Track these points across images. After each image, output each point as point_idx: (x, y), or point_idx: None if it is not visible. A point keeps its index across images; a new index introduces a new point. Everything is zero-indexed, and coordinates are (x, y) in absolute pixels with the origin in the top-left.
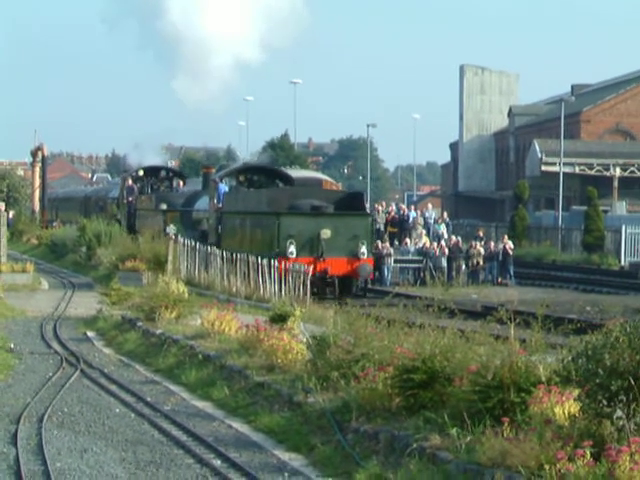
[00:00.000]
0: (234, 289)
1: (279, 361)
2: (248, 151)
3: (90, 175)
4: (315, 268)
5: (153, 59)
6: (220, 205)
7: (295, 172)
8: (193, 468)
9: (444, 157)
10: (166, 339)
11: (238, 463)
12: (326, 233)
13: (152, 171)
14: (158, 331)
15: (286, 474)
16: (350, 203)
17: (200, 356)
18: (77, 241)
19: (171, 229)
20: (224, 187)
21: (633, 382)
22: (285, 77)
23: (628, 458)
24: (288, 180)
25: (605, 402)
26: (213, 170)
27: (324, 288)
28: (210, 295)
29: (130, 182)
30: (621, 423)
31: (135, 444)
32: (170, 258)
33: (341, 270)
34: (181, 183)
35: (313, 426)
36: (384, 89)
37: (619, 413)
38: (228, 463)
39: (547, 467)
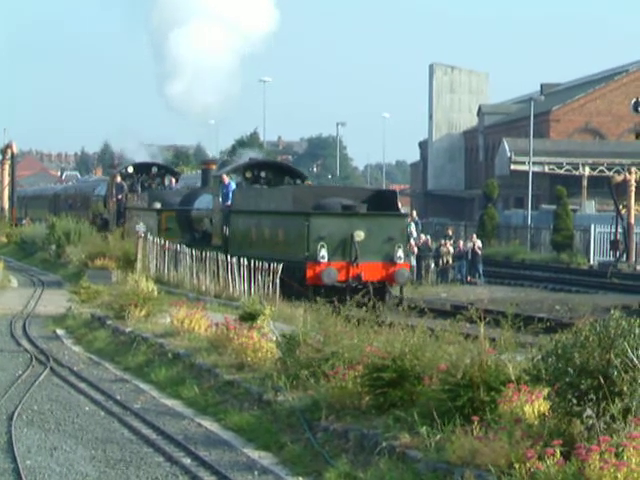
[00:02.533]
0: (203, 287)
1: (249, 360)
2: (218, 149)
3: (59, 173)
4: (347, 274)
5: (125, 56)
6: (228, 203)
7: None
8: (163, 466)
9: (413, 156)
10: (135, 337)
11: (208, 461)
12: (359, 235)
13: (142, 167)
14: (127, 329)
15: (256, 472)
16: (381, 202)
17: (170, 354)
18: (46, 239)
19: (141, 227)
20: (233, 184)
21: (603, 381)
22: (255, 75)
23: (598, 457)
24: (298, 176)
25: (575, 401)
26: (214, 166)
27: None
28: (179, 293)
29: (119, 179)
30: (591, 422)
31: (105, 442)
32: (139, 256)
33: (376, 276)
34: (174, 180)
35: (283, 424)
36: (354, 88)
37: (589, 412)
38: (198, 461)
39: (517, 466)
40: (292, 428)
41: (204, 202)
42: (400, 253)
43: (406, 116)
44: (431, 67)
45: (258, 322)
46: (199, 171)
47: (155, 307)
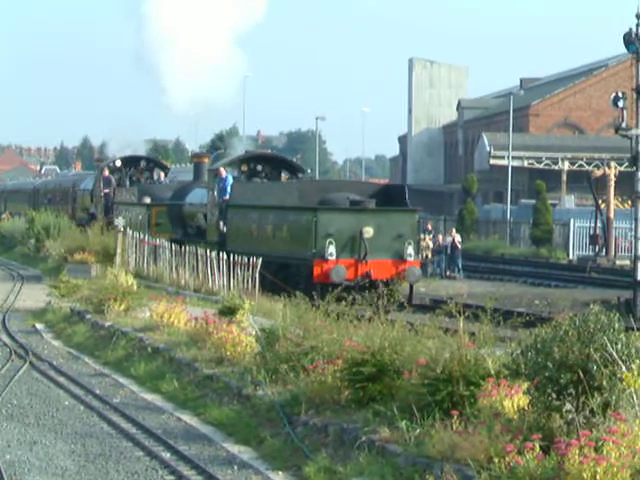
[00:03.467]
0: (183, 282)
1: (228, 354)
2: (197, 143)
3: (39, 167)
4: (356, 271)
5: (105, 50)
6: (226, 198)
7: None
8: (142, 461)
9: (393, 150)
10: (115, 332)
11: (187, 456)
12: (369, 232)
13: (131, 161)
14: (107, 323)
15: (235, 467)
16: (389, 197)
17: (149, 349)
18: (26, 233)
19: (120, 221)
20: (230, 178)
21: (582, 375)
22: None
23: (577, 451)
24: (296, 170)
25: (554, 395)
26: (206, 159)
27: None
28: (159, 287)
29: (107, 173)
30: (570, 416)
31: (84, 437)
32: (119, 250)
33: (386, 274)
34: (162, 175)
35: (262, 419)
36: (333, 83)
37: (568, 406)
38: (177, 456)
39: (496, 460)
40: (272, 422)
41: (197, 196)
42: (410, 250)
43: (385, 111)
44: (410, 62)
45: (237, 316)
46: (185, 165)
47: (134, 301)
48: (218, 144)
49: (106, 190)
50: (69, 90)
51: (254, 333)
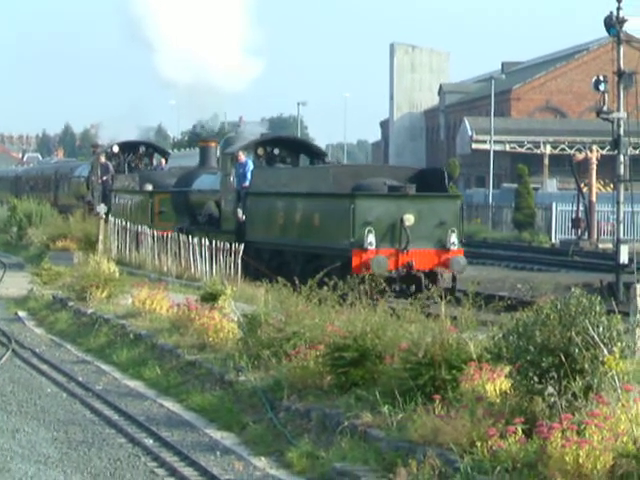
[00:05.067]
0: (165, 268)
1: (210, 340)
2: (179, 130)
3: (21, 155)
4: (397, 262)
5: (88, 35)
6: (246, 184)
7: None
8: (125, 447)
9: (375, 135)
10: (97, 318)
11: (170, 442)
12: (409, 219)
13: (129, 147)
14: (89, 310)
15: (218, 453)
16: (427, 182)
17: (131, 335)
18: (8, 221)
19: (102, 209)
20: (250, 163)
21: (564, 359)
22: None
23: (559, 435)
24: (316, 153)
25: (536, 379)
26: (214, 144)
27: (407, 286)
28: (141, 274)
29: (103, 159)
30: (552, 400)
31: (67, 424)
32: (101, 237)
33: (428, 264)
34: (164, 161)
35: (245, 405)
36: (315, 68)
37: (550, 390)
38: (160, 442)
39: (479, 444)
40: (254, 408)
41: (206, 183)
42: (454, 238)
43: (367, 96)
44: (392, 46)
45: (219, 302)
46: (178, 150)
47: (117, 288)
48: (200, 131)
49: (104, 177)
50: (51, 77)
51: (236, 319)
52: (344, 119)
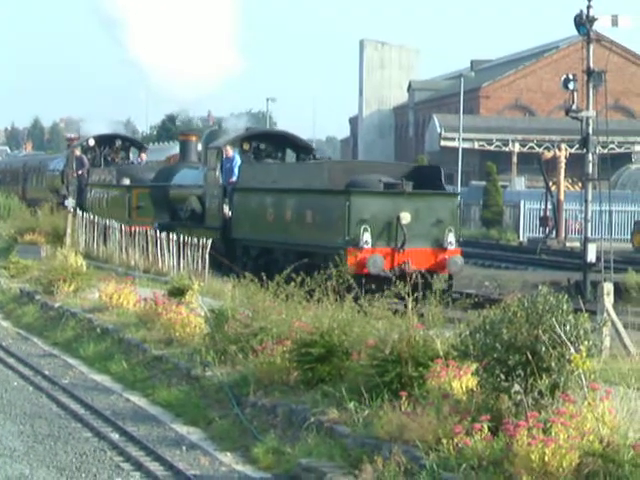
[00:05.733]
0: (132, 262)
1: (177, 335)
2: (148, 124)
3: None
4: (392, 261)
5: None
6: (233, 180)
7: None
8: (91, 442)
9: (344, 132)
10: (64, 312)
11: (136, 437)
12: (406, 217)
13: (105, 140)
14: (56, 304)
15: (184, 448)
16: (423, 179)
17: (98, 330)
18: None
19: (69, 202)
20: (238, 158)
21: (531, 357)
22: None
23: (526, 433)
24: (303, 148)
25: (503, 377)
26: (194, 138)
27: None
28: (108, 268)
29: (78, 152)
30: (519, 398)
31: (33, 417)
32: (69, 231)
33: (425, 263)
34: (144, 156)
35: (211, 400)
36: (284, 63)
37: (517, 387)
38: (126, 437)
39: (445, 441)
40: (220, 403)
41: (187, 178)
42: (451, 238)
43: (336, 92)
44: (361, 43)
45: (187, 297)
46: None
47: (84, 282)
48: (169, 125)
49: (79, 171)
50: (20, 70)
51: (203, 314)
52: (313, 115)
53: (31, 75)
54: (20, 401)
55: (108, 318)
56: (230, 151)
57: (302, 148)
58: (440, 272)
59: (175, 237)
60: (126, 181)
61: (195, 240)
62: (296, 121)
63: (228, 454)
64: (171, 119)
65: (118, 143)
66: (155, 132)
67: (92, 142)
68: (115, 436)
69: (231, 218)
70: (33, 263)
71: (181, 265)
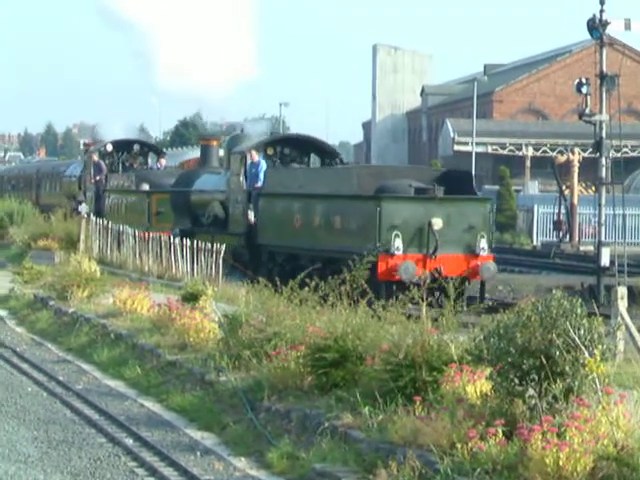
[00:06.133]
0: (146, 268)
1: (191, 340)
2: (161, 129)
3: (2, 154)
4: (424, 268)
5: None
6: (258, 185)
7: None
8: (105, 447)
9: (357, 136)
10: (78, 318)
11: (150, 442)
12: (438, 223)
13: (123, 145)
14: (70, 310)
15: (198, 453)
16: (453, 184)
17: (112, 335)
18: None
19: (83, 208)
20: (263, 163)
21: (545, 361)
22: None
23: (540, 437)
24: (329, 153)
25: (517, 381)
26: (215, 143)
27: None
28: (122, 274)
29: (96, 158)
30: (533, 402)
31: (47, 423)
32: (82, 237)
33: (457, 270)
34: (163, 161)
35: (225, 405)
36: (297, 68)
37: (531, 392)
38: (140, 442)
39: (459, 446)
40: (234, 409)
41: (209, 183)
42: (483, 243)
43: (349, 97)
44: (374, 48)
45: (200, 302)
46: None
47: (98, 288)
48: (182, 131)
49: (97, 177)
50: (33, 76)
51: (217, 319)
52: (326, 120)
53: (44, 81)
54: (34, 407)
55: (122, 323)
56: (255, 156)
57: (327, 153)
58: (472, 279)
59: (196, 243)
60: (145, 187)
61: (211, 245)
62: (309, 126)
63: (242, 459)
64: (184, 125)
65: (136, 148)
66: (168, 138)
67: (110, 147)
68: (129, 441)
69: (256, 224)
70: (47, 269)
71: (195, 270)
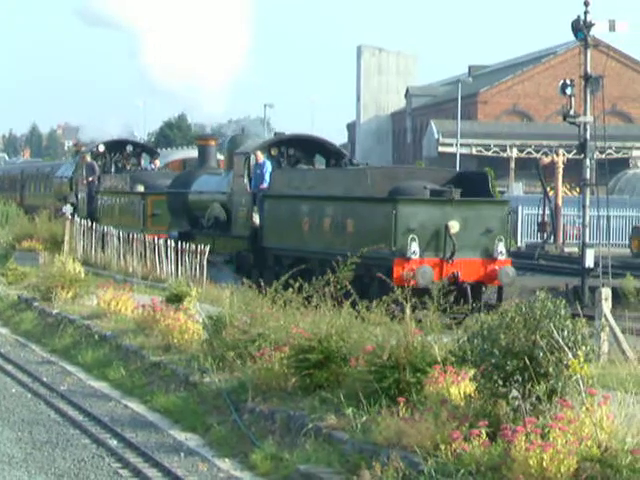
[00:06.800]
0: (130, 269)
1: (175, 341)
2: (145, 131)
3: None
4: (441, 273)
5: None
6: (264, 186)
7: (191, 152)
8: (89, 448)
9: (341, 138)
10: (62, 319)
11: (134, 443)
12: (454, 226)
13: (115, 146)
14: (54, 311)
15: (182, 454)
16: (469, 186)
17: (96, 336)
18: None
19: (67, 209)
20: (269, 164)
21: (528, 362)
22: None
23: (524, 438)
24: (334, 154)
25: (500, 382)
26: (213, 142)
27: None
28: (106, 275)
29: (89, 159)
30: (516, 403)
31: (31, 424)
32: (67, 238)
33: (474, 275)
34: (157, 162)
35: (209, 406)
36: (281, 69)
37: (514, 393)
38: (124, 443)
39: (443, 447)
40: (218, 410)
41: (208, 184)
42: (502, 247)
43: (334, 98)
44: (359, 49)
45: (184, 303)
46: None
47: (82, 289)
48: (167, 132)
49: (89, 178)
50: (18, 76)
51: (201, 320)
52: (311, 121)
53: (29, 82)
54: (18, 408)
55: (106, 325)
56: (261, 157)
57: (332, 154)
58: (490, 284)
59: (196, 246)
60: (140, 188)
61: (212, 248)
62: (293, 127)
63: (226, 460)
64: (169, 126)
65: (129, 149)
66: (153, 139)
67: (102, 148)
68: (113, 442)
69: (262, 226)
70: (31, 270)
71: (179, 271)
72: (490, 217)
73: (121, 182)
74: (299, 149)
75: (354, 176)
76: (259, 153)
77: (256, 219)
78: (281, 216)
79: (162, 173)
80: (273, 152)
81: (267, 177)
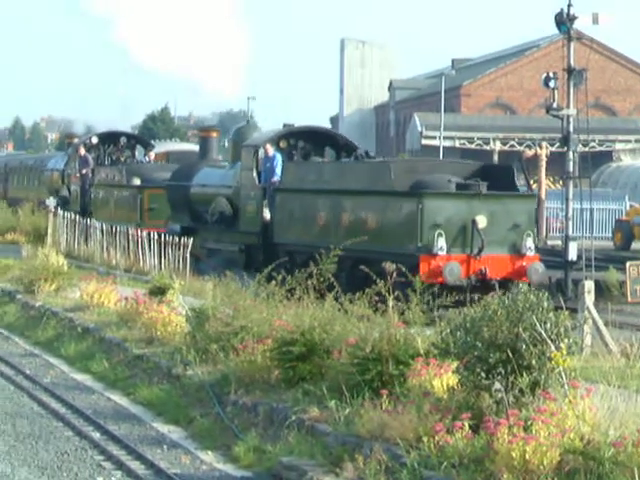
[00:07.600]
0: (114, 261)
1: (158, 334)
2: (129, 124)
3: None
4: (468, 269)
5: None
6: (275, 180)
7: (175, 145)
8: (72, 440)
9: None
10: (45, 312)
11: (117, 435)
12: (482, 221)
13: (109, 138)
14: (37, 303)
15: (165, 447)
16: (493, 179)
17: (79, 329)
18: None
19: (51, 202)
20: (279, 157)
21: (511, 354)
22: None
23: (506, 430)
24: (344, 146)
25: (483, 374)
26: (215, 134)
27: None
28: (90, 267)
29: (83, 151)
30: (499, 395)
31: (14, 417)
32: (50, 231)
33: (503, 271)
34: (152, 154)
35: (192, 399)
36: (264, 62)
37: (497, 385)
38: (107, 435)
39: (425, 439)
40: (201, 402)
41: (211, 177)
42: (530, 243)
43: (317, 91)
44: (342, 42)
45: (168, 296)
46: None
47: (65, 281)
48: (150, 125)
49: (83, 170)
50: (0, 69)
51: (184, 313)
52: (293, 115)
53: (11, 75)
54: (1, 400)
55: (89, 317)
56: (271, 149)
57: (343, 146)
58: (519, 281)
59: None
60: (136, 181)
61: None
62: (276, 120)
63: (209, 453)
64: (152, 119)
65: (123, 141)
66: (137, 132)
67: (95, 140)
68: (96, 435)
69: (273, 222)
70: (14, 262)
71: (162, 264)
72: (518, 211)
73: (116, 175)
74: (309, 141)
75: (377, 169)
76: (269, 146)
77: (267, 214)
78: (295, 211)
79: (159, 166)
80: (282, 145)
81: (278, 170)
